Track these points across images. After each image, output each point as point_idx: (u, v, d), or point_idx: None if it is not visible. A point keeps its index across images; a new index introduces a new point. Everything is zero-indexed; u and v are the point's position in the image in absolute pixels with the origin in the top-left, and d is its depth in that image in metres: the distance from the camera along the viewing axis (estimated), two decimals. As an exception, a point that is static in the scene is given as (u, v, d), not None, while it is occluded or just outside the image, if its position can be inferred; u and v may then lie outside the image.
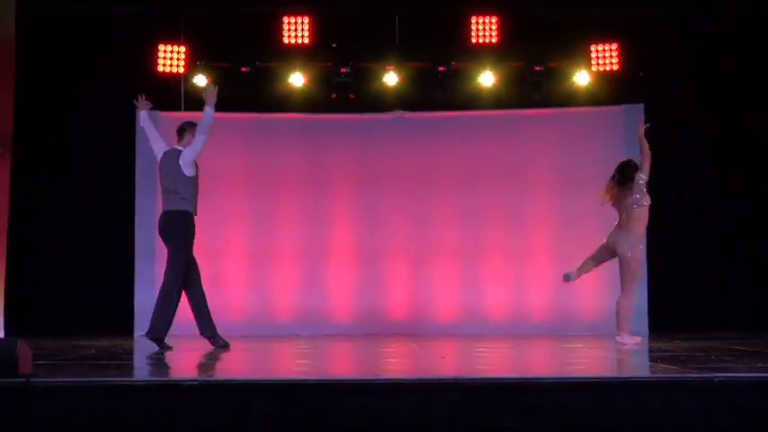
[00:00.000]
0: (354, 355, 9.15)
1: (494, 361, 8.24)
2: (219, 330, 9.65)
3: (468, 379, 5.77)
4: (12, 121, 11.56)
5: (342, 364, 8.35)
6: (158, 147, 9.61)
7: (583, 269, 9.77)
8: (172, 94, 12.68)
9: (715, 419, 5.48)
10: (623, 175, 9.53)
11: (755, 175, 12.43)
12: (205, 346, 9.51)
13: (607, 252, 9.63)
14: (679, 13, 12.62)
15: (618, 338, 9.41)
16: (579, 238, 11.86)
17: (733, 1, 12.31)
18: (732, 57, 12.51)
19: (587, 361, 7.91)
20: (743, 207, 12.48)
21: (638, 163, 9.59)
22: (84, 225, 12.51)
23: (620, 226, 9.57)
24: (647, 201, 9.48)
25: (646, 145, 9.60)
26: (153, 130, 9.74)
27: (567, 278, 9.74)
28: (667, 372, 6.61)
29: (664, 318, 11.93)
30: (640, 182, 9.46)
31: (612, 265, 9.71)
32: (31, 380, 5.68)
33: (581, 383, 5.81)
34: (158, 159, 9.59)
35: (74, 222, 12.50)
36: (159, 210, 12.52)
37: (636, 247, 9.48)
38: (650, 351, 8.95)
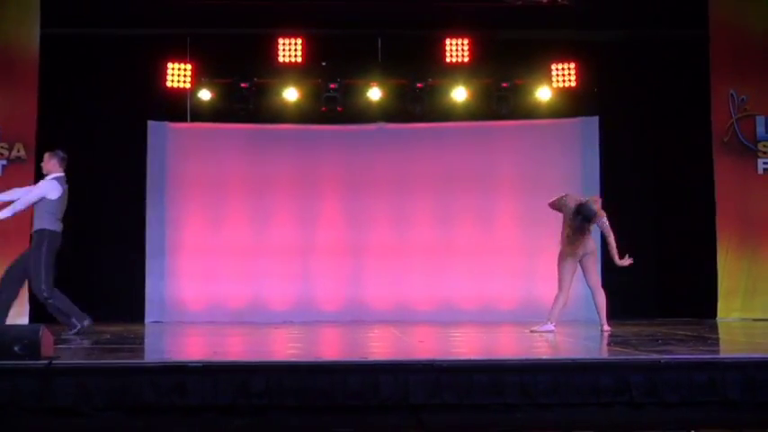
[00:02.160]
0: (342, 339, 9.15)
1: (465, 345, 8.25)
2: (218, 318, 9.51)
3: (443, 360, 5.77)
4: (35, 130, 11.54)
5: (331, 347, 8.35)
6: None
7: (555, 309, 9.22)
8: (179, 107, 12.69)
9: (662, 396, 5.50)
10: (587, 223, 9.03)
11: (695, 175, 12.46)
12: (207, 331, 9.46)
13: (575, 264, 9.15)
14: (627, 37, 12.69)
15: (605, 327, 9.11)
16: (542, 232, 11.93)
17: (669, 26, 12.36)
18: (671, 73, 12.58)
19: (549, 345, 7.93)
20: (683, 206, 12.51)
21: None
22: (100, 224, 12.46)
23: (579, 240, 9.07)
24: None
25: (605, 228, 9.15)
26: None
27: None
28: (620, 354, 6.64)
29: (615, 306, 11.94)
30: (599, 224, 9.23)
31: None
32: (53, 362, 5.66)
33: (542, 365, 5.82)
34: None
35: (90, 221, 12.42)
36: (168, 211, 12.62)
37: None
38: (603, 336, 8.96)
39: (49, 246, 8.84)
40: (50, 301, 8.79)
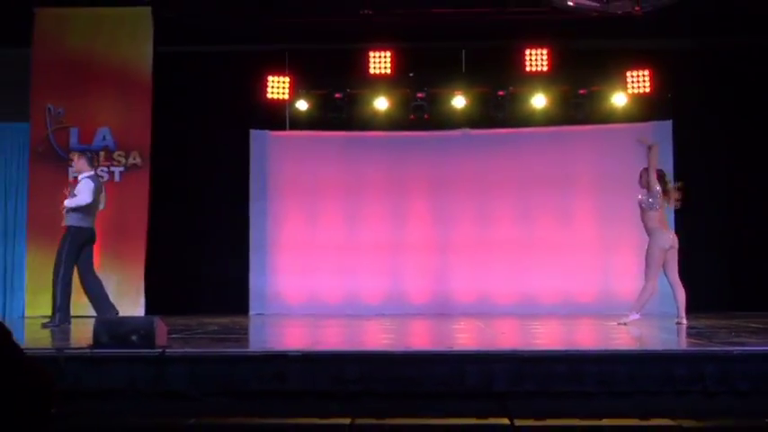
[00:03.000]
0: (430, 330, 9.13)
1: (546, 336, 8.16)
2: (315, 311, 9.54)
3: (525, 351, 5.72)
4: (150, 139, 11.75)
5: (420, 338, 8.33)
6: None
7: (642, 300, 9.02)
8: (279, 116, 12.80)
9: (734, 385, 5.37)
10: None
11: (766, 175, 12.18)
12: (306, 323, 9.49)
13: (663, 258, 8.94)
14: (699, 45, 12.41)
15: (683, 320, 8.82)
16: (615, 232, 11.77)
17: (740, 34, 12.06)
18: (743, 78, 12.26)
19: (625, 336, 7.79)
20: (755, 204, 12.22)
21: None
22: (208, 224, 12.63)
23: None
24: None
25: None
26: None
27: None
28: (694, 345, 6.50)
29: (688, 300, 11.69)
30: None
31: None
32: (166, 351, 5.76)
33: (620, 355, 5.73)
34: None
35: (199, 222, 12.63)
36: (270, 211, 12.74)
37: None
38: (678, 328, 8.77)
39: (72, 241, 9.00)
40: (57, 287, 8.94)
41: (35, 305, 11.13)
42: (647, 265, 8.96)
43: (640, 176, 9.13)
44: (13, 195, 11.94)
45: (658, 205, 8.93)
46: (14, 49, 12.12)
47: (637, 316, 8.93)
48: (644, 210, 9.00)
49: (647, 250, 8.98)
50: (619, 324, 8.84)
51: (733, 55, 12.31)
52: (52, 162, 11.61)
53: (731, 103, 12.37)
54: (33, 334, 8.37)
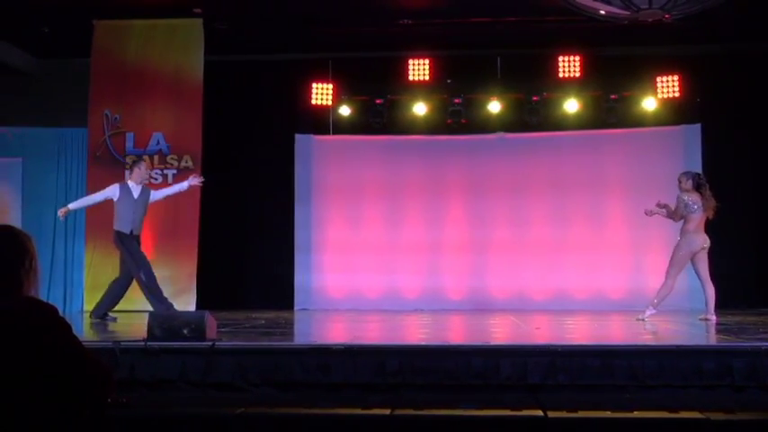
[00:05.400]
0: (466, 325, 9.11)
1: (578, 331, 8.10)
2: (357, 306, 9.59)
3: (558, 345, 5.69)
4: (201, 144, 11.83)
5: (456, 332, 8.32)
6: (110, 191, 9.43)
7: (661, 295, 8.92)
8: (322, 121, 12.85)
9: (763, 380, 5.29)
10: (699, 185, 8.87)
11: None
12: (348, 317, 9.50)
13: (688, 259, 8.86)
14: (728, 50, 12.26)
15: (711, 317, 8.70)
16: (646, 232, 11.64)
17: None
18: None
19: (655, 332, 7.72)
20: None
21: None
22: (256, 224, 12.72)
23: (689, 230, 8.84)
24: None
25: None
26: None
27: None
28: (723, 341, 6.42)
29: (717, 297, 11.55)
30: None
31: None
32: (216, 343, 5.79)
33: (650, 350, 5.68)
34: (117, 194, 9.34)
35: (248, 222, 12.72)
36: (314, 212, 12.78)
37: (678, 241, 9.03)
38: (707, 324, 8.67)
39: (121, 243, 9.18)
40: (143, 291, 9.14)
41: (93, 301, 11.21)
42: (672, 264, 8.85)
43: (679, 181, 8.93)
44: (74, 197, 12.07)
45: (702, 209, 8.76)
46: (75, 59, 12.30)
47: (653, 311, 8.84)
48: (685, 211, 8.80)
49: (676, 249, 8.85)
50: (637, 320, 8.77)
51: (762, 60, 12.13)
52: (109, 165, 11.73)
53: (760, 107, 12.19)
54: (91, 327, 8.47)
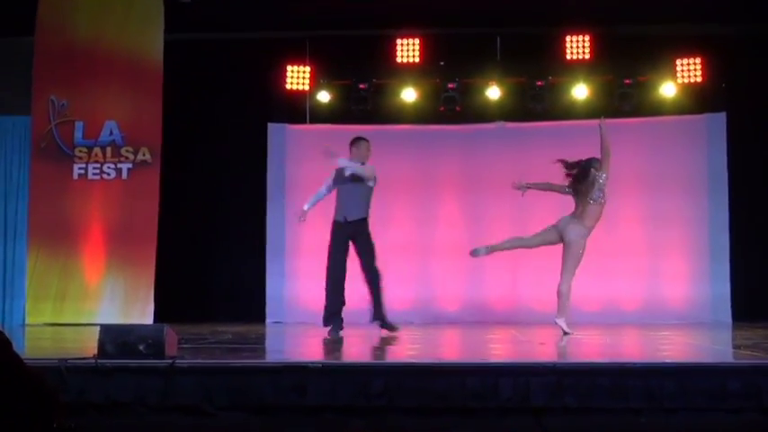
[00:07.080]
0: (462, 340, 9.12)
1: (587, 347, 8.12)
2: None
3: (565, 363, 5.70)
4: (160, 134, 11.80)
5: (450, 348, 8.33)
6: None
7: (499, 247, 9.55)
8: (298, 109, 12.84)
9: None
10: (582, 170, 9.24)
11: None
12: (326, 331, 9.48)
13: (556, 234, 9.33)
14: (757, 31, 12.30)
15: (557, 320, 9.12)
16: (664, 234, 11.66)
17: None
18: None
19: (674, 348, 7.74)
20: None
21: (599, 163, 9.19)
22: (223, 226, 12.70)
23: (574, 215, 9.30)
24: (603, 200, 9.17)
25: (606, 144, 9.17)
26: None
27: (475, 254, 9.46)
28: (750, 357, 6.44)
29: (745, 308, 11.59)
30: (600, 180, 9.13)
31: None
32: (177, 361, 5.78)
33: (668, 368, 5.69)
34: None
35: (212, 222, 12.69)
36: (288, 212, 12.75)
37: (583, 238, 9.20)
38: (733, 339, 8.71)
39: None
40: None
41: (36, 312, 11.22)
42: (576, 262, 9.27)
43: (582, 167, 9.24)
44: (14, 194, 12.01)
45: (603, 200, 9.12)
46: (16, 38, 12.24)
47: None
48: (587, 205, 9.15)
49: (582, 245, 9.23)
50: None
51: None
52: (55, 157, 11.69)
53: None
54: (34, 342, 8.44)
